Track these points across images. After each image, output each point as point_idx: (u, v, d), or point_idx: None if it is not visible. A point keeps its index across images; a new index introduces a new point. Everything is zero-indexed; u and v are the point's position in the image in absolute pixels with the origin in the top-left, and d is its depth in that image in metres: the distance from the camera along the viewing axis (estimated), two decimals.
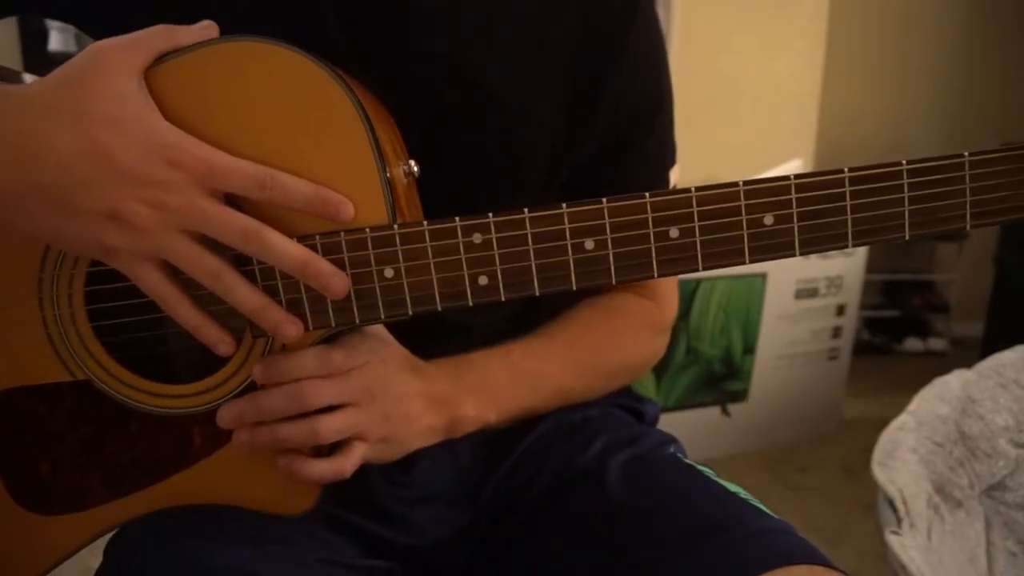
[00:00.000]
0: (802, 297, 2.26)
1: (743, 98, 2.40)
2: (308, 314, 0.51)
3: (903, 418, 1.19)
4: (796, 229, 0.48)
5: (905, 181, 0.47)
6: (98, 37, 0.50)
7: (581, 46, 0.60)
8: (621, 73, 0.61)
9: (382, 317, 0.51)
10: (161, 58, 0.49)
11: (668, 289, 0.72)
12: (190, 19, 0.51)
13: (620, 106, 0.62)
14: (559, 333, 0.65)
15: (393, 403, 0.55)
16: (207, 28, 0.50)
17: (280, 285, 0.50)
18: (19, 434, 0.56)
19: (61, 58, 0.61)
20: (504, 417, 0.62)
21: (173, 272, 0.49)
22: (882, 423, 1.20)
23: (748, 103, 2.42)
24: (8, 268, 0.54)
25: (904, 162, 0.47)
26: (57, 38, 2.42)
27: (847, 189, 0.47)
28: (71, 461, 0.56)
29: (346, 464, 0.53)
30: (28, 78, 0.60)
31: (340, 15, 0.56)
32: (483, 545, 0.64)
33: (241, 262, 0.50)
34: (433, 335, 0.58)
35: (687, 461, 0.64)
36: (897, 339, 3.06)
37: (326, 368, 0.53)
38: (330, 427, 0.53)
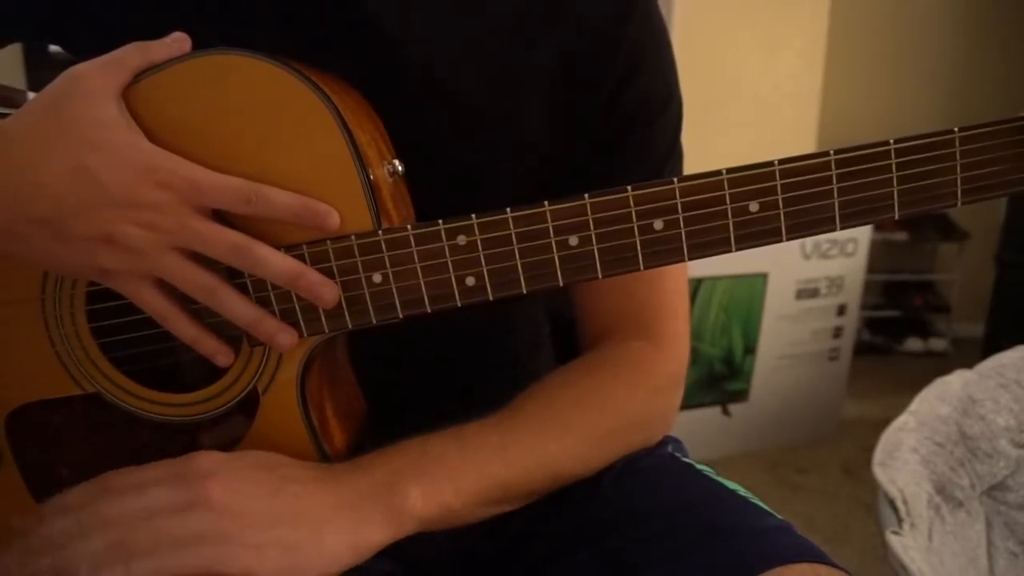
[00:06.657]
0: (803, 297, 2.26)
1: (743, 98, 2.40)
2: (302, 322, 0.51)
3: (904, 418, 1.19)
4: (782, 215, 0.48)
5: (893, 161, 0.47)
6: (86, 58, 0.50)
7: (573, 47, 0.59)
8: (616, 72, 0.60)
9: (373, 321, 0.51)
10: (138, 76, 0.50)
11: (674, 332, 0.64)
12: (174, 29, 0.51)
13: (616, 105, 0.60)
14: (529, 397, 0.59)
15: (258, 532, 0.47)
16: (179, 41, 0.51)
17: (272, 296, 0.51)
18: (40, 444, 0.57)
19: (62, 58, 0.62)
20: (469, 499, 0.53)
21: (168, 288, 0.50)
22: (882, 423, 1.20)
23: (748, 103, 2.42)
24: (11, 290, 0.55)
25: (891, 141, 0.46)
26: None
27: (833, 172, 0.47)
28: (91, 467, 0.56)
29: None
30: (32, 96, 0.60)
31: (323, 20, 0.56)
32: (480, 553, 0.63)
33: (233, 275, 0.51)
34: None
35: (685, 460, 0.64)
36: (898, 339, 3.05)
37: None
38: None
